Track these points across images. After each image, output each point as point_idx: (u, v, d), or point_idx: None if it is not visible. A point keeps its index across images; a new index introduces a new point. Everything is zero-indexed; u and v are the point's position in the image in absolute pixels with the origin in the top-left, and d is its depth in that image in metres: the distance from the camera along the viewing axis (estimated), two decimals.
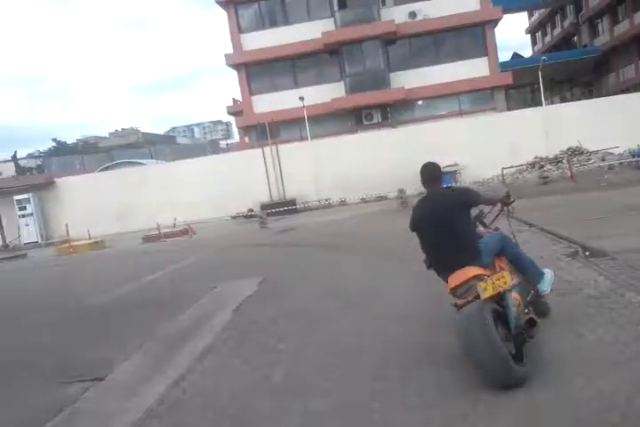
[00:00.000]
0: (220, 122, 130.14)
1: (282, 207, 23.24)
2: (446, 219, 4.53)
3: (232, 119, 50.68)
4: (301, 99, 25.66)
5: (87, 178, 28.83)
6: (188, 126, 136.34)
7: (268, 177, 25.16)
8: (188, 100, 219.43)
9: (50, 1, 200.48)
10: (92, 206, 25.72)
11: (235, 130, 72.41)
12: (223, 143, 67.76)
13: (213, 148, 57.47)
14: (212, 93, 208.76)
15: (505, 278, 4.15)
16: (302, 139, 26.97)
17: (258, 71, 31.54)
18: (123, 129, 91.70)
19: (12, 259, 21.26)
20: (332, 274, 9.33)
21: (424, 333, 5.33)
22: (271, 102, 30.17)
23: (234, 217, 23.36)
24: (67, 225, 22.88)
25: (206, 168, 25.73)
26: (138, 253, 17.04)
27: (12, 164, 59.54)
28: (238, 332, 6.41)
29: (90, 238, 22.15)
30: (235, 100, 37.97)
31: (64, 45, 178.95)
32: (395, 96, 30.04)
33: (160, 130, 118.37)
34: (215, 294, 8.79)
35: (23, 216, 26.16)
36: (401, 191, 19.39)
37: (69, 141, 77.71)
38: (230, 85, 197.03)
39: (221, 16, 33.09)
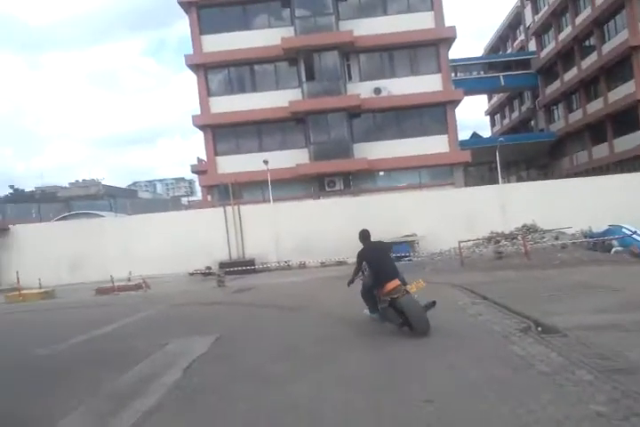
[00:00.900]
0: (182, 179, 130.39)
1: (240, 267, 23.11)
2: (384, 255, 9.03)
3: (195, 177, 51.00)
4: (265, 162, 26.08)
5: (42, 227, 28.31)
6: (150, 181, 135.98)
7: (228, 236, 25.14)
8: (152, 156, 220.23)
9: (17, 52, 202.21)
10: (45, 255, 25.14)
11: (197, 188, 72.60)
12: (185, 200, 67.63)
13: (175, 204, 57.28)
14: (177, 151, 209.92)
15: (419, 285, 8.41)
16: (265, 201, 27.23)
17: (224, 133, 32.10)
18: (84, 180, 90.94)
19: None
20: (288, 335, 9.27)
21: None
22: (235, 163, 30.56)
23: (191, 274, 23.09)
24: (17, 273, 22.20)
25: (166, 224, 25.61)
26: (89, 306, 16.59)
27: None
28: (187, 392, 6.26)
29: (40, 288, 21.53)
30: (199, 160, 38.33)
31: (29, 94, 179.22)
32: (357, 166, 30.81)
33: (122, 183, 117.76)
34: (166, 351, 8.59)
35: None
36: None
37: (27, 189, 76.50)
38: (195, 144, 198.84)
39: (191, 78, 34.00)
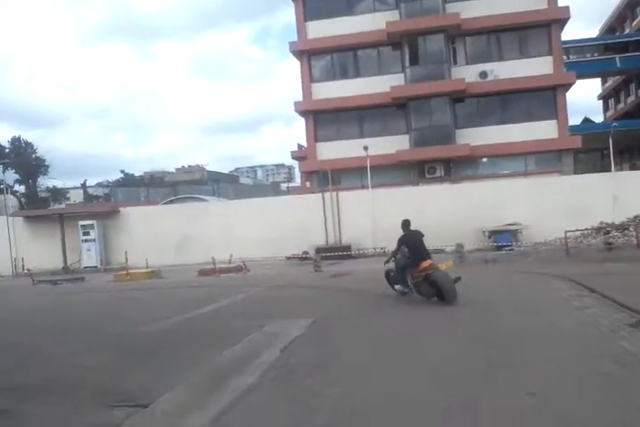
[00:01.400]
0: (282, 165, 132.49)
1: (337, 252, 23.21)
2: (420, 240, 10.94)
3: (295, 163, 51.66)
4: (365, 148, 25.94)
5: (150, 209, 29.71)
6: (251, 168, 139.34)
7: (325, 221, 25.29)
8: (254, 142, 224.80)
9: (129, 40, 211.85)
10: (152, 237, 26.35)
11: (297, 174, 73.59)
12: (284, 186, 68.71)
13: (275, 190, 58.39)
14: (278, 138, 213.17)
15: (448, 264, 11.16)
16: (363, 187, 27.15)
17: (325, 119, 32.25)
18: (189, 166, 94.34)
19: (71, 281, 21.86)
20: (385, 321, 9.19)
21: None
22: (335, 150, 30.66)
23: (288, 258, 23.45)
24: (126, 253, 23.41)
25: (266, 209, 26.11)
26: (192, 286, 17.23)
27: (81, 191, 62.06)
28: (284, 372, 6.34)
29: (147, 268, 22.58)
30: (299, 146, 38.72)
31: (139, 82, 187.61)
32: (459, 152, 30.06)
33: (224, 169, 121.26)
34: (264, 332, 8.75)
35: (86, 241, 26.99)
36: (460, 246, 19.12)
37: (137, 174, 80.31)
38: (296, 131, 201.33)
39: (295, 65, 34.41)
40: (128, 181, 72.21)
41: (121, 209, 28.46)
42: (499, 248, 21.35)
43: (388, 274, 11.96)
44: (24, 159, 59.23)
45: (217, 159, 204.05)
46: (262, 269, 21.17)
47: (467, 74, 30.31)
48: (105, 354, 8.01)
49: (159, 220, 26.96)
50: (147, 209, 29.87)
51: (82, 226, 27.00)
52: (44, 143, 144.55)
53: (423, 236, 11.13)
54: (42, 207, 47.13)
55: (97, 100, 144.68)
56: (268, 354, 7.22)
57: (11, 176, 59.20)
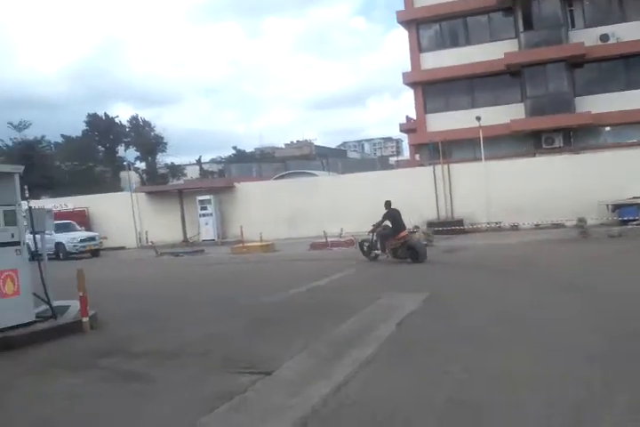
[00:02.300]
0: (390, 139, 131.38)
1: (449, 227, 22.82)
2: (399, 216, 14.90)
3: (403, 136, 51.00)
4: (478, 119, 25.11)
5: (263, 184, 30.50)
6: (359, 142, 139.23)
7: (436, 196, 24.86)
8: (361, 116, 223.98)
9: (237, 18, 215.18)
10: (265, 211, 27.10)
11: (405, 147, 72.71)
12: (392, 160, 68.20)
13: (383, 164, 58.14)
14: (386, 111, 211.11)
15: (420, 235, 17.69)
16: (475, 159, 26.36)
17: (434, 90, 31.49)
18: (298, 141, 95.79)
19: (191, 253, 22.98)
20: (502, 297, 8.96)
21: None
22: (445, 121, 29.93)
23: None
24: (241, 227, 24.24)
25: (374, 182, 26.00)
26: (305, 259, 17.58)
27: (197, 167, 64.74)
28: (401, 346, 6.35)
29: (261, 241, 23.27)
30: (408, 118, 38.14)
31: (247, 58, 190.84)
32: (579, 120, 28.43)
33: (332, 144, 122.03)
34: (379, 306, 8.80)
35: (203, 215, 28.21)
36: (581, 220, 18.21)
37: (248, 150, 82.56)
38: (404, 103, 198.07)
39: (402, 35, 33.72)
40: (240, 157, 74.39)
41: (236, 184, 29.42)
42: (623, 223, 20.11)
43: (361, 244, 16.27)
44: (143, 137, 62.41)
45: (324, 134, 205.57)
46: None
47: (585, 38, 28.47)
48: (230, 323, 8.37)
49: (272, 194, 27.64)
50: (260, 184, 30.71)
51: (199, 201, 28.20)
52: (161, 121, 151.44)
53: (400, 213, 15.15)
54: (161, 183, 49.74)
55: (209, 78, 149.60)
56: (385, 327, 7.25)
57: (132, 154, 62.79)
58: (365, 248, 15.83)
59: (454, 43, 31.43)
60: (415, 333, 6.93)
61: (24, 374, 6.21)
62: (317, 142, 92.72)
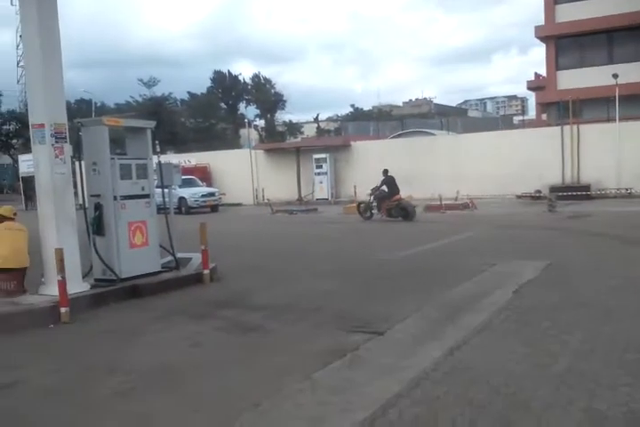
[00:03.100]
0: (514, 97, 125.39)
1: (574, 192, 21.63)
2: (395, 182, 17.82)
3: (529, 95, 48.47)
4: (615, 76, 23.30)
5: (379, 143, 30.24)
6: (480, 100, 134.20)
7: (562, 158, 23.53)
8: (484, 73, 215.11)
9: None
10: (380, 171, 26.84)
11: (531, 106, 69.23)
12: (517, 119, 65.14)
13: (506, 123, 55.61)
14: (511, 67, 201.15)
15: (409, 197, 18.38)
16: (609, 120, 24.58)
17: (568, 45, 29.44)
18: (416, 99, 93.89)
19: (305, 212, 23.41)
20: (628, 268, 8.43)
21: None
22: (578, 78, 27.97)
23: (519, 196, 22.44)
24: (355, 186, 24.28)
25: (496, 143, 25.03)
26: (418, 222, 17.39)
27: (314, 125, 65.28)
28: (517, 314, 6.16)
29: None
30: (537, 75, 36.10)
31: (369, 12, 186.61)
32: None
33: (452, 102, 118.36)
34: (494, 272, 8.56)
35: (318, 174, 28.50)
36: None
37: (366, 108, 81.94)
38: (532, 59, 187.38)
39: None
40: (357, 115, 74.08)
41: (352, 143, 29.36)
42: None
43: (358, 206, 19.03)
44: (264, 95, 63.56)
45: (444, 92, 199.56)
46: (490, 207, 20.58)
47: None
48: (342, 280, 8.51)
49: (387, 154, 27.29)
50: (376, 143, 30.47)
51: (315, 159, 28.48)
52: (281, 79, 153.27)
53: (395, 179, 17.95)
54: (279, 141, 50.66)
55: (330, 34, 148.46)
56: (500, 294, 7.07)
57: (252, 111, 64.30)
58: (362, 209, 18.64)
59: None
60: (532, 301, 6.69)
61: (151, 320, 6.65)
62: (437, 100, 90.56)
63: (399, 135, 34.27)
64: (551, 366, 4.51)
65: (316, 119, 66.64)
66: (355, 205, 21.56)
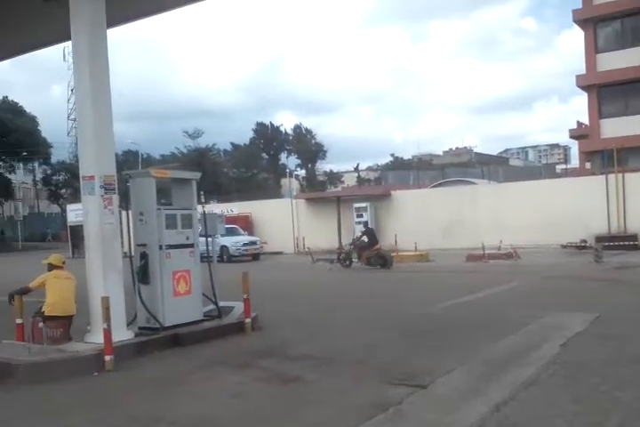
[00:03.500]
0: (556, 145, 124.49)
1: (620, 242, 21.09)
2: (374, 233, 20.19)
3: (572, 143, 48.08)
4: None
5: (420, 193, 30.23)
6: (522, 148, 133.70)
7: (608, 207, 23.08)
8: (525, 121, 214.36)
9: (401, 23, 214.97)
10: (420, 220, 26.81)
11: (574, 154, 68.60)
12: (559, 168, 64.44)
13: (548, 172, 55.01)
14: (553, 116, 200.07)
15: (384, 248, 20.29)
16: None
17: (610, 93, 29.29)
18: (456, 148, 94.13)
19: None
20: None
21: None
22: (622, 127, 27.66)
23: (564, 246, 21.98)
24: (395, 235, 24.20)
25: (539, 192, 24.73)
26: (460, 271, 17.17)
27: (354, 174, 65.88)
28: (566, 369, 5.98)
29: (415, 250, 23.08)
30: (579, 124, 35.89)
31: (409, 64, 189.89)
32: None
33: (493, 151, 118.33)
34: (541, 325, 8.35)
35: (359, 223, 28.43)
36: None
37: (406, 157, 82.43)
38: (574, 108, 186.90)
39: (575, 36, 31.81)
40: (397, 165, 74.54)
41: (392, 192, 29.44)
42: None
43: (338, 255, 20.23)
44: (304, 145, 64.71)
45: (485, 140, 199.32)
46: (534, 256, 20.20)
47: None
48: (383, 332, 8.41)
49: (428, 203, 27.29)
50: (416, 192, 30.48)
51: (356, 208, 28.56)
52: (322, 129, 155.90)
53: (374, 230, 20.67)
54: (319, 190, 51.19)
55: (370, 85, 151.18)
56: (548, 348, 6.88)
57: (293, 161, 65.40)
58: (342, 257, 19.91)
59: (636, 41, 28.96)
60: (581, 355, 6.50)
61: (193, 369, 6.66)
62: (477, 149, 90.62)
63: (440, 184, 34.22)
64: (603, 425, 4.35)
65: (356, 169, 67.34)
66: (395, 254, 21.47)
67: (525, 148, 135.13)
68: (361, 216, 28.38)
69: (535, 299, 11.09)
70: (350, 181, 64.20)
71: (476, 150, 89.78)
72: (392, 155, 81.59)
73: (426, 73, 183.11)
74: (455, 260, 20.53)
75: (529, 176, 38.59)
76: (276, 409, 5.16)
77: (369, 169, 73.88)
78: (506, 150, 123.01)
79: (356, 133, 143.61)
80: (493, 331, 7.97)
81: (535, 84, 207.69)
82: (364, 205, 28.46)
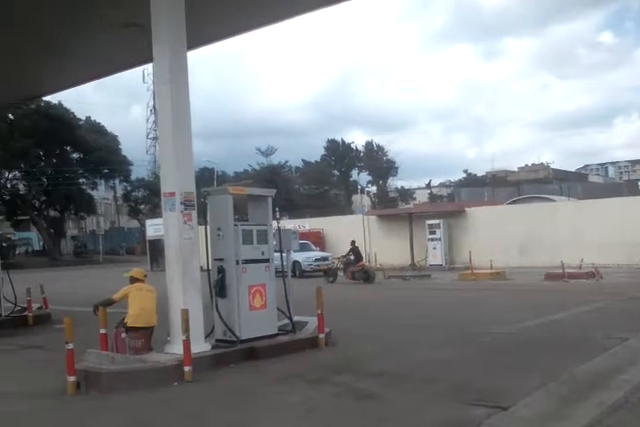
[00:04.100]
0: (638, 162, 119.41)
1: None
2: (359, 250, 21.97)
3: None
4: None
5: (495, 209, 29.55)
6: (601, 164, 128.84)
7: None
8: (604, 137, 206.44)
9: (471, 40, 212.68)
10: (496, 238, 26.18)
11: None
12: None
13: (630, 189, 52.90)
14: (633, 131, 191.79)
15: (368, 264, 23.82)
16: None
17: None
18: (532, 164, 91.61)
19: (419, 277, 23.06)
20: None
21: None
22: None
23: None
24: (470, 253, 23.74)
25: (622, 210, 23.74)
26: (539, 290, 16.62)
27: (426, 191, 65.31)
28: None
29: (490, 268, 22.55)
30: None
31: (481, 80, 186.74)
32: None
33: (571, 167, 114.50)
34: (628, 347, 7.98)
35: (432, 240, 28.14)
36: None
37: (479, 173, 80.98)
38: None
39: None
40: (470, 181, 73.39)
41: (466, 209, 28.95)
42: None
43: (326, 272, 22.59)
44: (376, 162, 64.77)
45: (562, 156, 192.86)
46: (617, 276, 19.33)
47: None
48: (458, 350, 8.25)
49: (503, 220, 26.64)
50: (491, 209, 29.82)
51: (428, 225, 28.20)
52: (394, 146, 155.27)
53: (359, 248, 22.03)
54: (391, 207, 51.00)
55: (441, 102, 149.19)
56: (635, 371, 6.58)
57: (364, 178, 65.50)
58: (329, 273, 22.12)
59: None
60: None
61: (269, 383, 6.74)
62: (554, 165, 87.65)
63: (516, 201, 33.41)
64: None
65: (428, 185, 66.75)
66: (470, 272, 21.10)
67: (605, 164, 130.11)
68: (434, 233, 28.04)
69: (621, 320, 10.58)
70: (422, 197, 63.67)
71: (553, 166, 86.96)
72: (465, 171, 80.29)
73: (498, 89, 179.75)
74: (533, 278, 19.90)
75: (610, 193, 37.24)
76: (352, 426, 5.14)
77: (441, 185, 73.08)
78: (585, 166, 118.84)
79: (428, 150, 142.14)
80: (576, 352, 7.66)
81: (614, 99, 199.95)
82: (436, 221, 28.07)
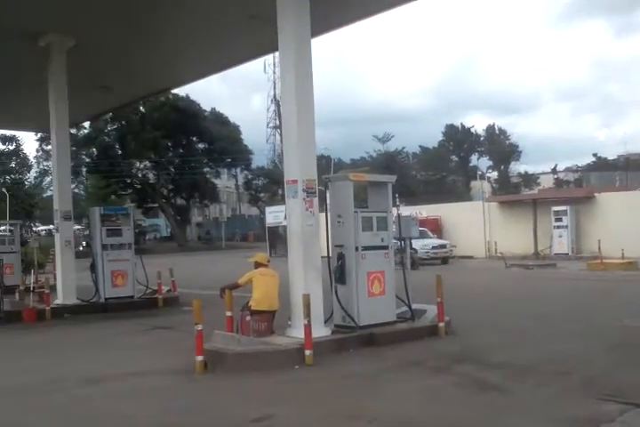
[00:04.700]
0: None
1: None
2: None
3: None
4: None
5: (629, 195, 27.67)
6: None
7: None
8: None
9: (602, 15, 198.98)
10: (628, 225, 24.47)
11: None
12: None
13: None
14: None
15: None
16: None
17: None
18: None
19: (543, 267, 22.13)
20: None
21: None
22: None
23: None
24: (599, 241, 22.42)
25: None
26: None
27: (551, 176, 62.28)
28: None
29: (622, 258, 21.18)
30: None
31: (612, 58, 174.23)
32: None
33: None
34: None
35: (557, 227, 26.83)
36: None
37: (610, 157, 75.89)
38: None
39: None
40: (600, 165, 69.03)
41: (596, 195, 27.31)
42: None
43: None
44: (497, 146, 62.61)
45: None
46: None
47: None
48: (588, 343, 7.88)
49: (638, 207, 24.87)
50: (625, 195, 27.94)
51: (554, 212, 26.91)
52: (517, 129, 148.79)
53: None
54: (513, 193, 49.15)
55: (568, 81, 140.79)
56: None
57: (484, 163, 63.57)
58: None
59: None
60: None
61: (388, 370, 6.76)
62: None
63: None
64: None
65: (553, 170, 63.59)
66: (600, 261, 19.96)
67: None
68: (560, 220, 26.74)
69: None
70: (547, 183, 60.71)
71: None
72: (594, 155, 75.46)
73: (633, 66, 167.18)
74: None
75: None
76: (474, 417, 5.04)
77: (568, 170, 69.24)
78: None
79: (554, 133, 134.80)
80: None
81: None
82: (563, 208, 26.70)
